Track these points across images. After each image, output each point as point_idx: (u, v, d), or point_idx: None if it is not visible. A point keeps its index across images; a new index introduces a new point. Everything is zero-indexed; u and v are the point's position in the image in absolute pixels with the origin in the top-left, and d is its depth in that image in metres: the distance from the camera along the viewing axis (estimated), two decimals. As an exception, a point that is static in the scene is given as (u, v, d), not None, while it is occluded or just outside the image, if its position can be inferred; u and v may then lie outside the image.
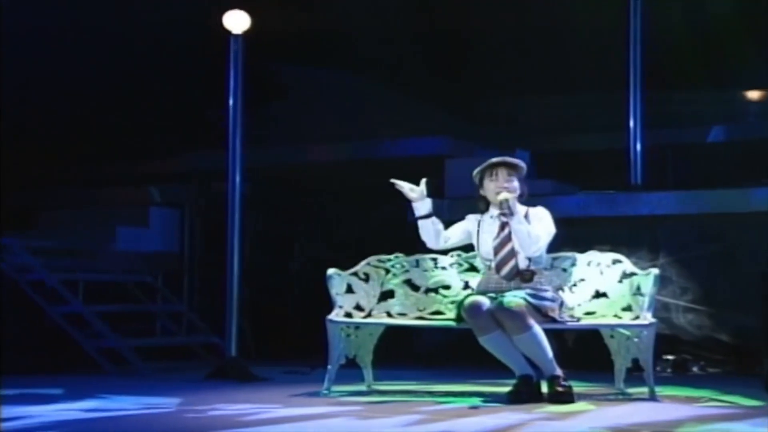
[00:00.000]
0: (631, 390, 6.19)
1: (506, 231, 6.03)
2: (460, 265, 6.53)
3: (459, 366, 7.76)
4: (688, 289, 7.61)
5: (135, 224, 9.48)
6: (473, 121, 10.13)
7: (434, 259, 6.58)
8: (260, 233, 9.61)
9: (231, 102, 7.58)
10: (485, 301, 5.84)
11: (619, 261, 6.29)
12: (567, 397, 5.69)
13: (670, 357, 7.72)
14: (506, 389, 6.14)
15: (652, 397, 5.85)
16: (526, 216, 6.04)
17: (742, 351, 7.40)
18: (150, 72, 9.99)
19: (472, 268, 6.49)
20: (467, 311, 5.82)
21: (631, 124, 8.34)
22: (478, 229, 6.13)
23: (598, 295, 6.25)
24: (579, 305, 6.25)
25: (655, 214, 7.72)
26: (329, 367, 6.23)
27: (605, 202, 7.89)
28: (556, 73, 9.81)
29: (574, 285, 6.31)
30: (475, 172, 6.14)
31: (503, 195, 5.98)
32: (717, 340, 7.61)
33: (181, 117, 10.25)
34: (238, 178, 7.54)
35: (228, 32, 7.70)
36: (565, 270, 6.34)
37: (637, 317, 6.05)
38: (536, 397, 5.76)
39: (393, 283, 6.55)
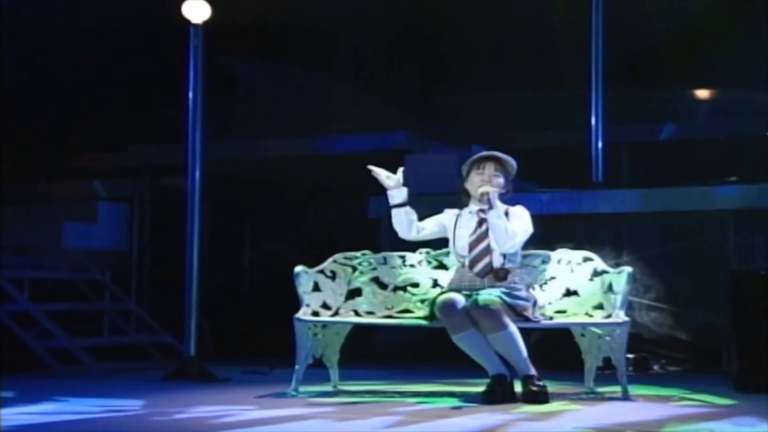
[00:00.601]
0: (600, 389, 6.17)
1: (483, 228, 5.98)
2: (429, 262, 6.45)
3: (421, 365, 7.72)
4: (652, 287, 7.62)
5: (82, 220, 9.23)
6: (430, 117, 10.05)
7: (402, 257, 6.49)
8: (212, 229, 9.42)
9: (191, 95, 7.38)
10: (460, 299, 5.77)
11: (590, 259, 6.26)
12: (542, 397, 5.64)
13: (630, 355, 7.71)
14: (475, 389, 6.12)
15: (626, 397, 5.83)
16: (506, 214, 5.98)
17: (704, 349, 7.43)
18: (97, 62, 9.77)
19: (441, 266, 6.41)
20: (441, 309, 5.74)
21: (593, 121, 8.34)
22: (455, 224, 6.07)
23: (569, 293, 6.22)
24: (550, 303, 6.21)
25: (618, 211, 7.72)
26: (297, 367, 6.12)
27: (569, 200, 7.88)
28: (512, 69, 9.80)
29: (545, 283, 6.26)
30: (465, 163, 6.08)
31: (484, 188, 5.93)
32: (679, 338, 7.64)
33: (129, 109, 10.03)
34: (198, 174, 7.35)
35: (182, 23, 7.52)
36: (535, 268, 6.29)
37: (609, 315, 6.03)
38: (510, 397, 5.70)
39: (360, 281, 6.45)
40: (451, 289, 5.96)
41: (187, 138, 7.38)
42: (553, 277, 6.26)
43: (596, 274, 6.20)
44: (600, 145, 8.34)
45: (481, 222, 6.00)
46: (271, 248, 9.32)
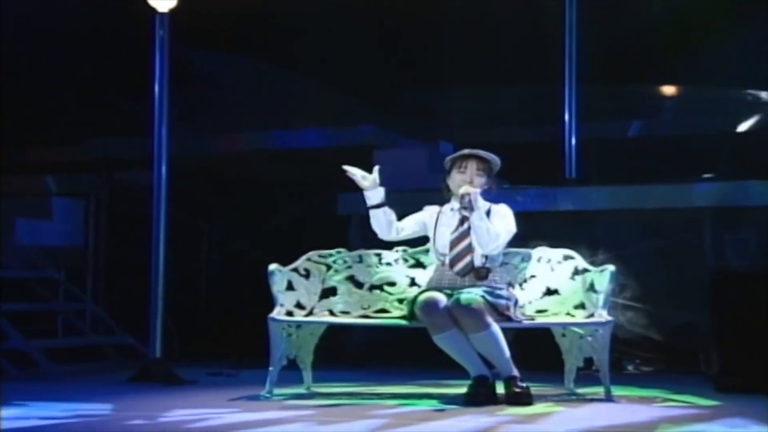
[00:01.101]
0: (580, 390, 6.17)
1: (465, 226, 5.94)
2: (406, 260, 6.40)
3: (391, 366, 7.68)
4: (627, 286, 7.62)
5: (36, 216, 9.04)
6: (396, 112, 9.98)
7: (378, 255, 6.43)
8: (173, 226, 9.27)
9: (156, 87, 7.23)
10: (442, 298, 5.72)
11: (571, 257, 6.24)
12: (525, 399, 5.61)
13: (604, 356, 7.69)
14: (454, 391, 6.13)
15: (609, 398, 5.81)
16: (488, 212, 5.95)
17: (681, 350, 7.44)
18: (52, 53, 9.58)
19: (418, 264, 6.37)
20: (423, 308, 5.69)
21: (566, 117, 8.33)
22: (436, 221, 6.03)
23: (550, 292, 6.20)
24: (530, 302, 6.19)
25: (594, 209, 7.71)
26: (271, 368, 6.03)
27: (544, 197, 7.84)
28: (481, 64, 9.78)
29: (525, 282, 6.24)
30: (447, 159, 6.05)
31: (464, 189, 5.88)
32: (654, 338, 7.64)
33: (84, 101, 9.85)
34: (164, 169, 7.21)
35: (143, 11, 7.37)
36: (515, 266, 6.26)
37: (591, 315, 6.01)
38: (493, 399, 5.66)
39: (335, 279, 6.38)
40: (430, 288, 5.90)
41: (153, 132, 7.22)
42: (533, 276, 6.25)
43: (577, 272, 6.19)
44: (573, 141, 8.33)
45: (463, 220, 5.96)
46: (235, 246, 9.19)
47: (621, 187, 7.74)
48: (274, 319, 6.05)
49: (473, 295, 5.69)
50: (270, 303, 6.17)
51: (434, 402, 5.77)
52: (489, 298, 5.74)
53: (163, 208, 7.23)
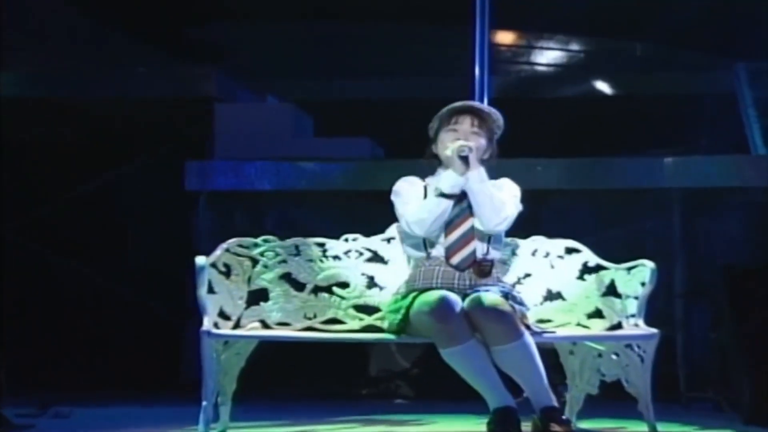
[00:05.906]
0: (585, 425, 5.76)
1: (464, 204, 5.45)
2: (360, 253, 5.76)
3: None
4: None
5: None
6: (212, 58, 9.17)
7: (322, 245, 5.77)
8: None
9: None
10: (456, 299, 5.17)
11: (577, 250, 5.83)
12: (573, 440, 5.16)
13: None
14: (422, 429, 5.86)
15: (655, 437, 5.46)
16: None
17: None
18: None
19: (377, 258, 5.76)
20: (436, 312, 5.06)
21: (477, 71, 7.93)
22: (425, 199, 5.50)
23: (551, 295, 5.78)
24: (528, 309, 5.71)
25: (537, 188, 7.38)
26: (204, 402, 5.24)
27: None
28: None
29: (518, 282, 5.77)
30: (433, 120, 5.56)
31: (460, 143, 5.40)
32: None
33: None
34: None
35: None
36: (504, 263, 5.77)
37: (617, 326, 5.63)
38: (520, 438, 5.19)
39: (265, 278, 5.67)
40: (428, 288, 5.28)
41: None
42: (528, 274, 5.81)
43: (587, 270, 5.79)
44: (486, 101, 7.94)
45: (460, 196, 5.44)
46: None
47: (572, 160, 7.55)
48: (210, 334, 5.24)
49: (494, 294, 5.17)
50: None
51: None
52: (510, 302, 5.23)
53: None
